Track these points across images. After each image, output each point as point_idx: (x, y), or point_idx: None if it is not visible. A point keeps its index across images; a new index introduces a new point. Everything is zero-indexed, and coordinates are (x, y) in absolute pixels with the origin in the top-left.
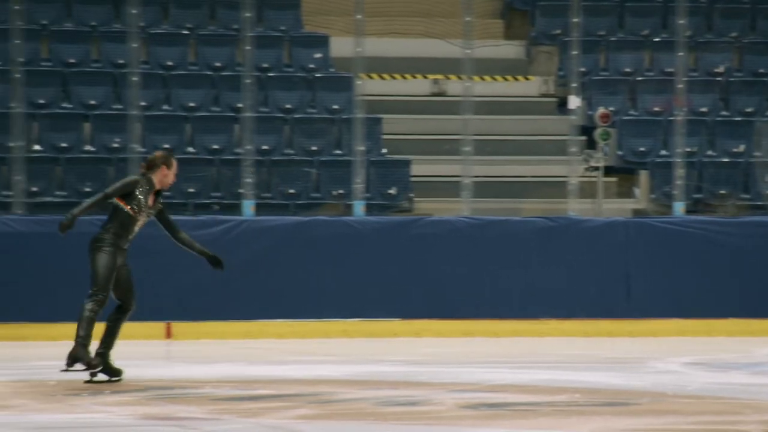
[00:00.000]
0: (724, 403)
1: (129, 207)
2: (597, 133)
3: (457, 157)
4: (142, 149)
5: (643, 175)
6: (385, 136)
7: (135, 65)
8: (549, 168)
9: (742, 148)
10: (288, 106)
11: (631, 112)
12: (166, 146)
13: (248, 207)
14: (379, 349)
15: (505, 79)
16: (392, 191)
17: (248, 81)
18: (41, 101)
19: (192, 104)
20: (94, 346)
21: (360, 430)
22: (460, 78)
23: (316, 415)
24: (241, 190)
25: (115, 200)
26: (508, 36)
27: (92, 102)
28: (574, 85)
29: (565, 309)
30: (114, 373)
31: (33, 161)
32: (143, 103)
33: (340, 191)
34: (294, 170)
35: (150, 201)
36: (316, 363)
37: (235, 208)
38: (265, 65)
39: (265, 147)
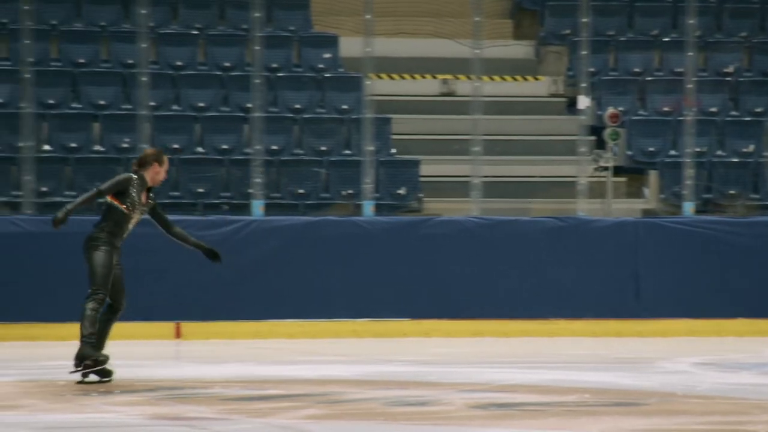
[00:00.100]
0: (733, 403)
1: (123, 205)
2: (606, 133)
3: (466, 157)
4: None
5: (653, 175)
6: (395, 136)
7: (144, 65)
8: (558, 168)
9: (751, 148)
10: (297, 106)
11: (641, 112)
12: (176, 146)
13: (258, 207)
14: (388, 349)
15: (515, 79)
16: (401, 191)
17: (257, 81)
18: (51, 101)
19: (201, 104)
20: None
21: (369, 430)
22: (469, 78)
23: (326, 415)
24: (250, 190)
25: (109, 199)
26: (517, 36)
27: (102, 102)
28: (584, 85)
29: (575, 309)
30: (105, 374)
31: (42, 161)
32: (152, 103)
33: (350, 191)
34: (303, 170)
35: (143, 198)
36: (326, 363)
37: (245, 208)
38: (275, 65)
39: (274, 147)
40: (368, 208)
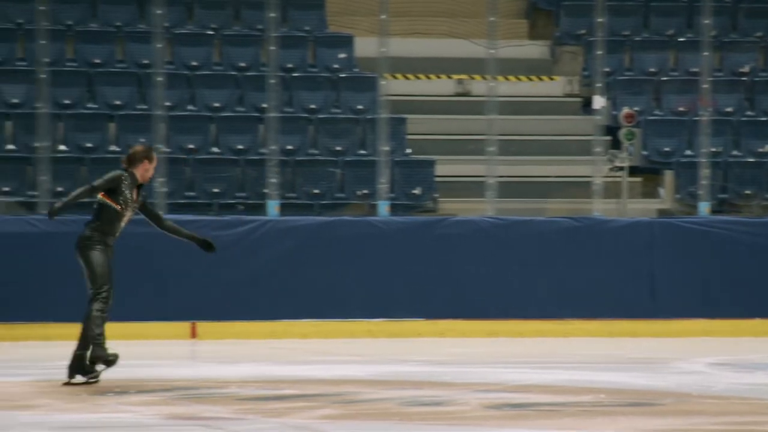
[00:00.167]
0: (749, 403)
1: (116, 203)
2: (622, 133)
3: (481, 157)
4: (167, 149)
5: (668, 175)
6: (410, 136)
7: (160, 65)
8: (573, 168)
9: (767, 148)
10: (312, 106)
11: (656, 112)
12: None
13: (273, 207)
14: (403, 349)
15: (530, 79)
16: (417, 191)
17: (273, 81)
18: (66, 101)
19: (217, 104)
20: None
21: (384, 430)
22: (484, 78)
23: (341, 415)
24: (265, 191)
25: (101, 197)
26: (532, 36)
27: (117, 102)
28: (599, 85)
29: (590, 309)
30: (92, 374)
31: (58, 161)
32: (168, 104)
33: (365, 191)
34: (318, 170)
35: (134, 195)
36: (341, 363)
37: (260, 209)
38: (290, 65)
39: (289, 147)
40: (383, 208)
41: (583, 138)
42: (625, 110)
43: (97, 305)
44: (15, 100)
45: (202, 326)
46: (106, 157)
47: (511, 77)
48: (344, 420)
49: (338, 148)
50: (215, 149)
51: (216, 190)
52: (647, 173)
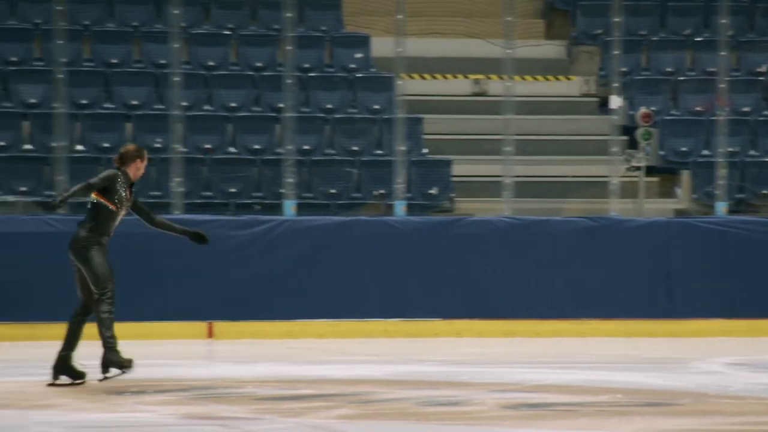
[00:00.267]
0: (766, 403)
1: (111, 203)
2: (638, 133)
3: (498, 157)
4: (184, 149)
5: (685, 175)
6: (426, 136)
7: (177, 65)
8: (590, 168)
9: None
10: (329, 106)
11: (673, 111)
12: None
13: (289, 207)
14: (420, 349)
15: (547, 79)
16: (433, 191)
17: (289, 81)
18: (84, 101)
19: (233, 104)
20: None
21: (401, 430)
22: (501, 78)
23: (358, 415)
24: (282, 190)
25: (96, 198)
26: (549, 36)
27: (134, 102)
28: (616, 84)
29: (607, 309)
30: (77, 375)
31: (75, 161)
32: (185, 104)
33: (381, 191)
34: (335, 170)
35: (128, 194)
36: (357, 363)
37: (277, 208)
38: (306, 65)
39: (306, 147)
40: (400, 208)
41: (600, 138)
42: (642, 110)
43: (103, 307)
44: (32, 100)
45: (219, 326)
46: None
47: (528, 77)
48: (361, 420)
49: (355, 148)
50: (232, 149)
51: (233, 190)
52: (664, 173)
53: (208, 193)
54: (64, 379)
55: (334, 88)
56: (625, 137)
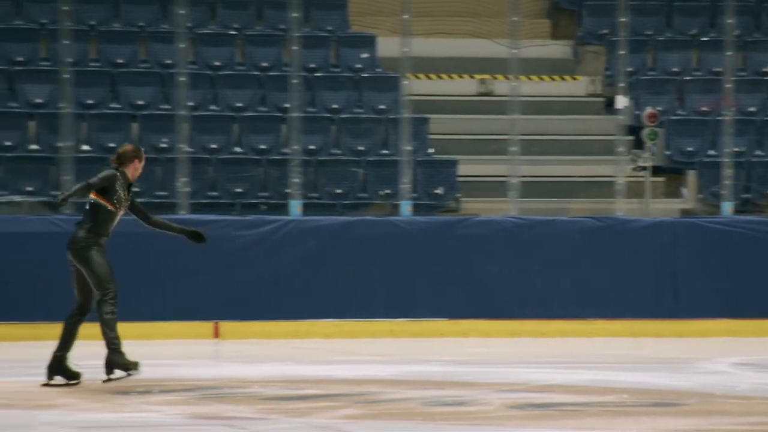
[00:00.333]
0: None
1: (110, 203)
2: (644, 133)
3: (504, 157)
4: (190, 149)
5: (691, 175)
6: (432, 136)
7: (183, 65)
8: (596, 168)
9: None
10: (335, 106)
11: (679, 111)
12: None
13: (295, 207)
14: (425, 349)
15: (553, 79)
16: (439, 191)
17: (295, 81)
18: (90, 101)
19: (239, 104)
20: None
21: (407, 430)
22: (507, 78)
23: (364, 415)
24: (288, 190)
25: (94, 198)
26: (555, 36)
27: (140, 102)
28: (622, 84)
29: (613, 309)
30: (72, 375)
31: (81, 161)
32: (191, 104)
33: (387, 191)
34: (341, 170)
35: (126, 194)
36: (363, 363)
37: (283, 208)
38: (312, 65)
39: (312, 147)
40: (406, 208)
41: (606, 138)
42: (648, 110)
43: (106, 308)
44: (38, 100)
45: (225, 326)
46: None
47: (534, 77)
48: (367, 420)
49: (361, 148)
50: (238, 149)
51: (239, 190)
52: (670, 173)
53: (214, 193)
54: (58, 379)
55: (339, 88)
56: (631, 137)
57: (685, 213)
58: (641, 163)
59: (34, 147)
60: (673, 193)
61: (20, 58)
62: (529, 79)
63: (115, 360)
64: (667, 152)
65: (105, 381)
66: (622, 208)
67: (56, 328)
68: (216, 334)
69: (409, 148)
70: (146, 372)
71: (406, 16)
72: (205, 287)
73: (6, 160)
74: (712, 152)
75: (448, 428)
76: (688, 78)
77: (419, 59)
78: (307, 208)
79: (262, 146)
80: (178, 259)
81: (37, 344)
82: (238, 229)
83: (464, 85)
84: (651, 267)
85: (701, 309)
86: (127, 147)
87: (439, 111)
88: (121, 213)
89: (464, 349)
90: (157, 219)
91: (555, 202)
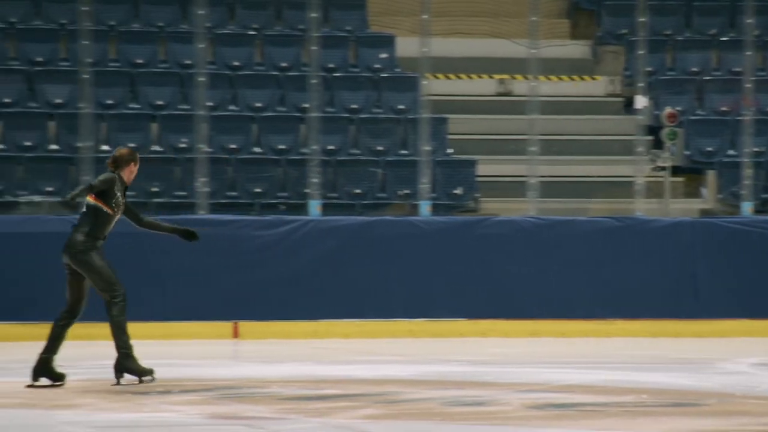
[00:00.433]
0: None
1: (108, 207)
2: (664, 133)
3: (523, 157)
4: (209, 149)
5: (711, 175)
6: (451, 136)
7: (202, 66)
8: (616, 168)
9: None
10: (354, 106)
11: (699, 111)
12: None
13: (314, 207)
14: (445, 349)
15: (572, 79)
16: (458, 191)
17: (314, 81)
18: (109, 102)
19: (258, 104)
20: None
21: (427, 430)
22: (526, 78)
23: (383, 415)
24: (307, 190)
25: (92, 201)
26: (574, 36)
27: (159, 102)
28: (641, 84)
29: (632, 309)
30: (57, 377)
31: (101, 161)
32: (210, 104)
33: (406, 191)
34: (360, 170)
35: (123, 198)
36: (383, 363)
37: (302, 208)
38: (331, 65)
39: (331, 147)
40: (425, 208)
41: (625, 138)
42: (668, 110)
43: (116, 310)
44: (58, 101)
45: (244, 326)
46: (148, 157)
47: (553, 77)
48: (386, 420)
49: (379, 148)
50: (257, 149)
51: (258, 190)
52: (690, 173)
53: (233, 193)
54: (43, 381)
55: (358, 88)
56: (650, 137)
57: (705, 213)
58: (660, 163)
59: (53, 147)
60: (692, 193)
61: (40, 59)
62: (548, 79)
63: (128, 366)
64: (687, 152)
65: (114, 384)
66: (642, 208)
67: (79, 328)
68: (235, 334)
69: (428, 148)
70: (166, 372)
71: (425, 16)
72: (225, 287)
73: (26, 160)
74: (731, 152)
75: (468, 428)
76: (707, 78)
77: (438, 59)
78: (326, 208)
79: (281, 146)
80: (197, 260)
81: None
82: (257, 229)
83: (483, 85)
84: (670, 267)
85: (721, 309)
86: (123, 150)
87: (458, 111)
88: (118, 216)
89: (483, 349)
90: (148, 220)
91: (574, 202)
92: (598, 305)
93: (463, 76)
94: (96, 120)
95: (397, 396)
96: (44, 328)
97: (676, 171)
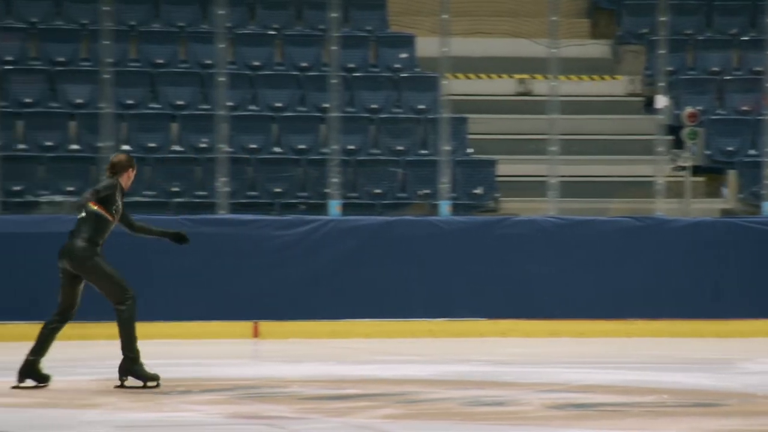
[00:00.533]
0: None
1: (108, 213)
2: (684, 133)
3: (543, 156)
4: (230, 149)
5: (732, 175)
6: (471, 136)
7: (222, 65)
8: (636, 168)
9: None
10: (374, 106)
11: (719, 111)
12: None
13: (334, 207)
14: (465, 348)
15: (592, 79)
16: (478, 191)
17: (334, 81)
18: (130, 102)
19: (278, 104)
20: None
21: (447, 430)
22: (546, 77)
23: (403, 415)
24: (327, 190)
25: (95, 208)
26: (594, 35)
27: (180, 102)
28: (662, 84)
29: (653, 309)
30: (42, 378)
31: None
32: (230, 104)
33: (426, 191)
34: (380, 170)
35: (121, 204)
36: (403, 363)
37: (322, 208)
38: (351, 65)
39: (351, 147)
40: (445, 207)
41: (646, 137)
42: (688, 109)
43: (125, 314)
44: (79, 100)
45: (265, 326)
46: (168, 157)
47: (573, 77)
48: (406, 420)
49: (399, 148)
50: (277, 149)
51: (278, 190)
52: (710, 173)
53: (254, 193)
54: (29, 382)
55: (378, 88)
56: (670, 137)
57: (726, 213)
58: (681, 163)
59: (74, 147)
60: (713, 192)
61: (61, 59)
62: (568, 78)
63: (135, 370)
64: (707, 152)
65: (117, 386)
66: (662, 208)
67: (103, 328)
68: (255, 334)
69: (448, 148)
70: (186, 371)
71: (445, 16)
72: (245, 287)
73: (47, 160)
74: (752, 152)
75: (488, 428)
76: (728, 77)
77: (458, 59)
78: (346, 208)
79: (302, 146)
80: (216, 259)
81: (84, 344)
82: (277, 229)
83: (503, 85)
84: (691, 267)
85: (742, 309)
86: (121, 156)
87: (478, 111)
88: (116, 223)
89: (503, 349)
90: (140, 225)
91: (594, 201)
92: (619, 305)
93: (483, 75)
94: (116, 120)
95: (416, 396)
96: (69, 328)
97: (696, 171)
